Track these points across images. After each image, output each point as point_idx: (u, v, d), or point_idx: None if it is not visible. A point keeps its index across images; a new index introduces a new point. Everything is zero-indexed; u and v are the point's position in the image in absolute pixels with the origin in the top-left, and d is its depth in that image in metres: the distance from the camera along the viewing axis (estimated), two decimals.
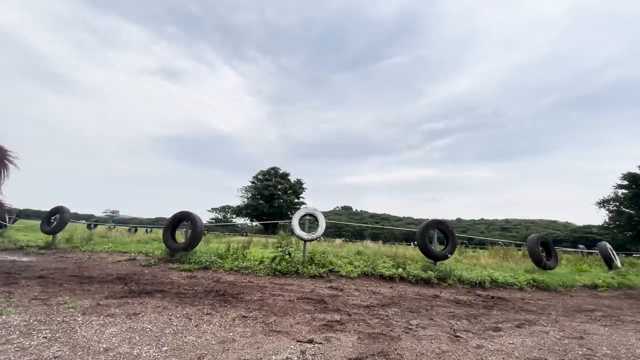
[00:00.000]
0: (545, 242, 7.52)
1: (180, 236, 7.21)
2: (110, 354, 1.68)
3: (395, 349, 2.02)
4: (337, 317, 2.74)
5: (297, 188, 51.31)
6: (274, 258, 5.43)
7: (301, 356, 1.81)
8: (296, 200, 50.25)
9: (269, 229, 38.11)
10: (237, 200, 52.59)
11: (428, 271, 5.28)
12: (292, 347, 1.94)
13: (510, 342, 2.34)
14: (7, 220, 9.47)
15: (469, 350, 2.08)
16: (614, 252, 8.82)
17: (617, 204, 38.13)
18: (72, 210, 8.16)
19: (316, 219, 6.22)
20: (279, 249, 5.74)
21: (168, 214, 6.40)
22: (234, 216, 53.45)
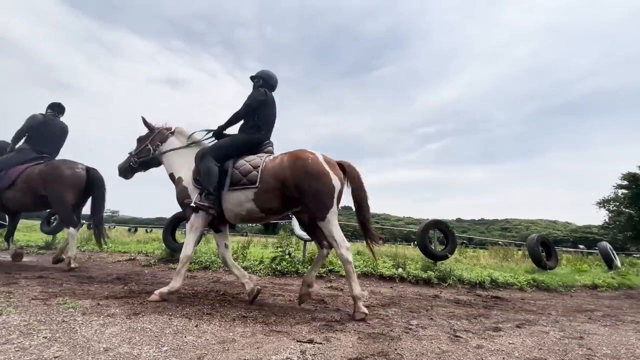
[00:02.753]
0: (545, 242, 7.53)
1: (181, 236, 7.20)
2: (110, 354, 1.68)
3: (395, 349, 2.02)
4: (337, 317, 2.74)
5: None
6: (274, 258, 5.43)
7: (301, 356, 1.81)
8: None
9: (269, 229, 38.02)
10: None
11: (428, 271, 5.28)
12: (292, 347, 1.94)
13: (510, 342, 2.34)
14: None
15: (469, 350, 2.08)
16: (614, 252, 8.82)
17: (617, 204, 38.09)
18: None
19: None
20: (279, 249, 5.74)
21: (168, 214, 6.41)
22: None
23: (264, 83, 3.42)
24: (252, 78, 3.51)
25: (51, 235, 7.38)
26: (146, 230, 22.28)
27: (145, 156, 3.53)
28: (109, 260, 5.66)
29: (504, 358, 2.00)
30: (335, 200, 2.81)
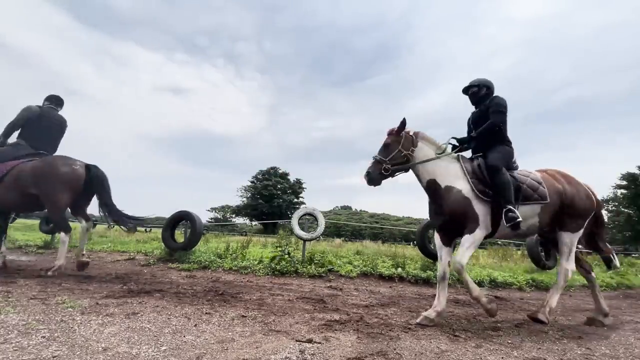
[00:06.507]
0: (545, 242, 7.52)
1: (180, 236, 7.19)
2: (109, 354, 1.67)
3: (395, 349, 2.02)
4: (336, 316, 2.74)
5: (296, 188, 51.25)
6: (273, 258, 5.42)
7: (300, 356, 1.81)
8: (296, 200, 50.18)
9: (268, 229, 38.06)
10: (236, 200, 52.46)
11: (427, 271, 5.28)
12: (291, 346, 1.94)
13: (510, 341, 2.34)
14: None
15: (468, 350, 2.08)
16: (613, 252, 8.82)
17: (616, 204, 38.20)
18: None
19: (315, 219, 6.21)
20: (279, 249, 5.73)
21: (167, 213, 6.40)
22: (234, 216, 53.35)
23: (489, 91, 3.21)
24: (471, 87, 3.26)
25: (50, 235, 7.37)
26: (145, 230, 22.23)
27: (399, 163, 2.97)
28: (108, 260, 5.65)
29: (502, 358, 2.00)
30: None
